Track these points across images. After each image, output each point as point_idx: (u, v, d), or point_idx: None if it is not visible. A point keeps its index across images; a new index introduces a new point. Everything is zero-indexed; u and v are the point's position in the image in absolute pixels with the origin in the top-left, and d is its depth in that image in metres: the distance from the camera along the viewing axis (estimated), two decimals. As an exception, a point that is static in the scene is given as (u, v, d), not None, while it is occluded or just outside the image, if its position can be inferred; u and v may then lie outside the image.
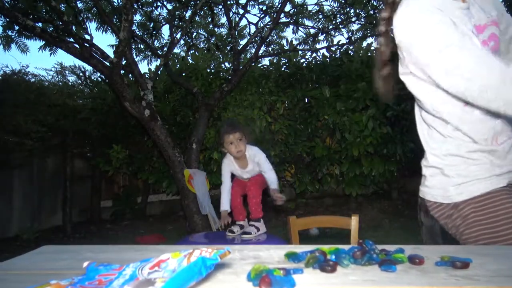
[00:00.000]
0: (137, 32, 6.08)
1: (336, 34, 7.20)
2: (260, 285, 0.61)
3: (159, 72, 5.40)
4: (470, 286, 0.64)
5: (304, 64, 6.11)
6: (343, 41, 6.48)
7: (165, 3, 6.04)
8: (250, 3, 6.09)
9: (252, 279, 0.65)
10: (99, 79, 6.76)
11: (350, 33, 6.52)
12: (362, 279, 0.68)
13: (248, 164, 2.62)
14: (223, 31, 6.92)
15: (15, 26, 4.83)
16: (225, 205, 2.75)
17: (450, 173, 1.03)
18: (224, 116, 5.59)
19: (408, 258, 0.77)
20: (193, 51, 6.75)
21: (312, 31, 6.56)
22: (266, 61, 7.49)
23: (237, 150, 2.48)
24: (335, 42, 6.43)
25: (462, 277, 0.68)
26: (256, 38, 6.11)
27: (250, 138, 2.69)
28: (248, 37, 6.30)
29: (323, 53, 6.26)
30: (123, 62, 4.40)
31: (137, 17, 6.17)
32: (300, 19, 6.38)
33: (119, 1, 5.67)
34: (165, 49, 6.07)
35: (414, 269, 0.74)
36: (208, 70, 6.22)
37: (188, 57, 6.64)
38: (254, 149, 2.64)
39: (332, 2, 6.09)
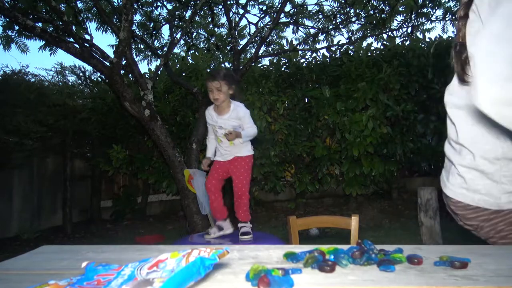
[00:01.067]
0: (137, 32, 6.09)
1: (336, 34, 7.22)
2: (258, 285, 0.61)
3: (159, 72, 5.40)
4: (469, 286, 0.64)
5: (304, 64, 6.11)
6: (343, 41, 6.48)
7: (165, 3, 6.04)
8: (250, 3, 6.10)
9: (251, 279, 0.65)
10: (99, 79, 6.76)
11: (350, 33, 6.53)
12: (361, 279, 0.68)
13: (227, 113, 2.54)
14: (223, 31, 6.93)
15: (15, 26, 4.83)
16: (209, 153, 2.76)
17: (501, 179, 0.95)
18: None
19: (407, 258, 0.77)
20: (193, 51, 6.76)
21: (312, 31, 6.56)
22: (266, 61, 7.48)
23: (214, 98, 2.47)
24: (335, 42, 6.44)
25: (461, 277, 0.68)
26: (256, 38, 6.12)
27: (236, 90, 2.59)
28: (248, 37, 6.30)
29: (323, 53, 6.26)
30: (123, 62, 4.40)
31: (137, 17, 6.18)
32: (300, 19, 6.38)
33: (119, 1, 5.68)
34: (165, 49, 6.07)
35: (413, 269, 0.73)
36: (208, 70, 6.22)
37: (188, 57, 6.65)
38: (241, 105, 2.60)
39: (332, 2, 6.10)
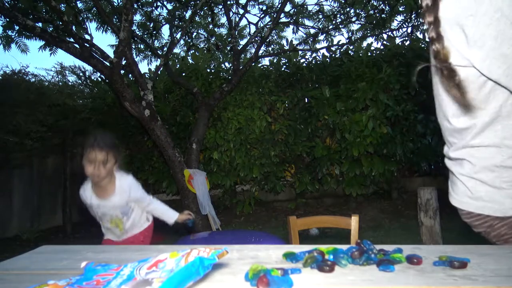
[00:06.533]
0: (137, 32, 6.09)
1: (336, 34, 7.22)
2: (257, 285, 0.61)
3: (159, 72, 5.40)
4: (468, 286, 0.64)
5: (304, 64, 6.11)
6: (343, 41, 6.49)
7: (165, 3, 6.05)
8: (250, 3, 6.10)
9: (250, 279, 0.65)
10: (99, 79, 6.76)
11: (350, 33, 6.53)
12: (360, 279, 0.68)
13: (113, 193, 1.93)
14: (223, 31, 6.94)
15: (15, 26, 4.83)
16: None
17: (502, 185, 0.95)
18: (224, 116, 5.60)
19: (406, 258, 0.77)
20: (193, 51, 6.76)
21: (312, 31, 6.57)
22: (266, 61, 7.48)
23: (94, 174, 1.84)
24: (335, 42, 6.44)
25: (460, 277, 0.68)
26: (256, 38, 6.12)
27: (122, 164, 2.00)
28: (248, 37, 6.30)
29: (323, 53, 6.27)
30: (123, 62, 4.41)
31: (137, 17, 6.18)
32: (300, 19, 6.38)
33: (119, 1, 5.68)
34: (165, 49, 6.08)
35: (412, 269, 0.73)
36: (208, 70, 6.23)
37: (188, 57, 6.65)
38: (129, 179, 2.00)
39: (332, 2, 6.10)
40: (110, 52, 4.59)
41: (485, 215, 0.99)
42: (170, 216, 2.17)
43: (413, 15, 6.07)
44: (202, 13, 6.49)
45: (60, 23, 4.36)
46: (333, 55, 6.23)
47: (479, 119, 0.94)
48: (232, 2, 6.10)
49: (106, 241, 2.09)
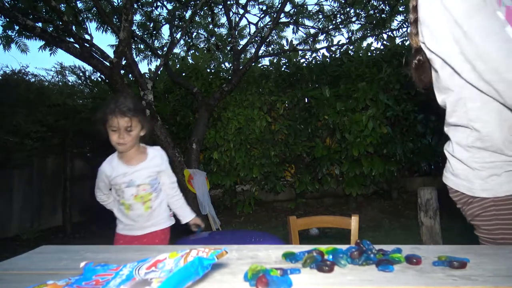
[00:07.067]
0: (137, 32, 6.09)
1: (336, 34, 7.23)
2: (257, 285, 0.61)
3: (159, 72, 5.41)
4: (467, 286, 0.64)
5: (304, 64, 6.11)
6: (343, 41, 6.49)
7: (165, 3, 6.06)
8: (250, 3, 6.11)
9: (249, 279, 0.65)
10: (99, 79, 6.77)
11: (350, 33, 6.54)
12: (359, 279, 0.68)
13: (145, 160, 1.80)
14: (223, 31, 6.95)
15: (15, 26, 4.84)
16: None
17: (474, 165, 0.99)
18: (224, 116, 5.60)
19: (406, 258, 0.77)
20: (193, 51, 6.76)
21: (312, 31, 6.57)
22: (266, 61, 7.48)
23: (119, 142, 1.71)
24: (335, 42, 6.45)
25: (459, 277, 0.68)
26: (256, 38, 6.12)
27: (149, 130, 1.84)
28: (248, 37, 6.31)
29: (323, 53, 6.27)
30: (123, 62, 4.41)
31: (137, 17, 6.19)
32: (300, 19, 6.38)
33: (119, 1, 5.68)
34: (165, 49, 6.08)
35: (412, 269, 0.73)
36: (208, 70, 6.23)
37: (188, 57, 6.65)
38: (161, 150, 1.91)
39: (332, 2, 6.11)
40: (110, 52, 4.61)
41: (461, 193, 1.04)
42: (188, 212, 1.97)
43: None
44: (202, 13, 6.50)
45: (60, 23, 4.36)
46: (333, 55, 6.23)
47: (448, 99, 1.01)
48: (232, 2, 6.10)
49: (119, 236, 1.90)
